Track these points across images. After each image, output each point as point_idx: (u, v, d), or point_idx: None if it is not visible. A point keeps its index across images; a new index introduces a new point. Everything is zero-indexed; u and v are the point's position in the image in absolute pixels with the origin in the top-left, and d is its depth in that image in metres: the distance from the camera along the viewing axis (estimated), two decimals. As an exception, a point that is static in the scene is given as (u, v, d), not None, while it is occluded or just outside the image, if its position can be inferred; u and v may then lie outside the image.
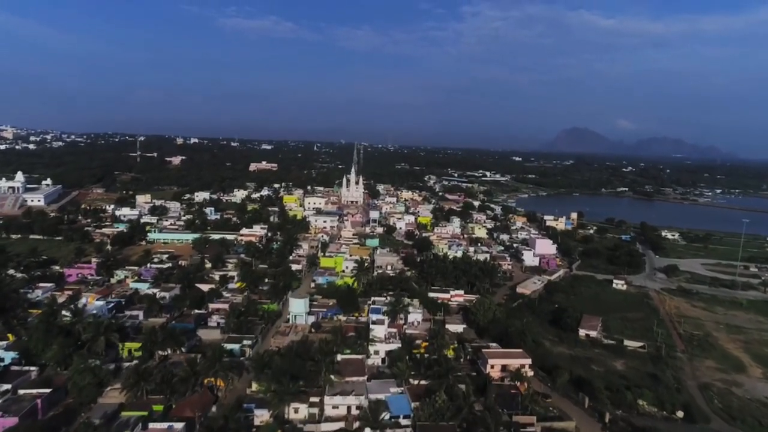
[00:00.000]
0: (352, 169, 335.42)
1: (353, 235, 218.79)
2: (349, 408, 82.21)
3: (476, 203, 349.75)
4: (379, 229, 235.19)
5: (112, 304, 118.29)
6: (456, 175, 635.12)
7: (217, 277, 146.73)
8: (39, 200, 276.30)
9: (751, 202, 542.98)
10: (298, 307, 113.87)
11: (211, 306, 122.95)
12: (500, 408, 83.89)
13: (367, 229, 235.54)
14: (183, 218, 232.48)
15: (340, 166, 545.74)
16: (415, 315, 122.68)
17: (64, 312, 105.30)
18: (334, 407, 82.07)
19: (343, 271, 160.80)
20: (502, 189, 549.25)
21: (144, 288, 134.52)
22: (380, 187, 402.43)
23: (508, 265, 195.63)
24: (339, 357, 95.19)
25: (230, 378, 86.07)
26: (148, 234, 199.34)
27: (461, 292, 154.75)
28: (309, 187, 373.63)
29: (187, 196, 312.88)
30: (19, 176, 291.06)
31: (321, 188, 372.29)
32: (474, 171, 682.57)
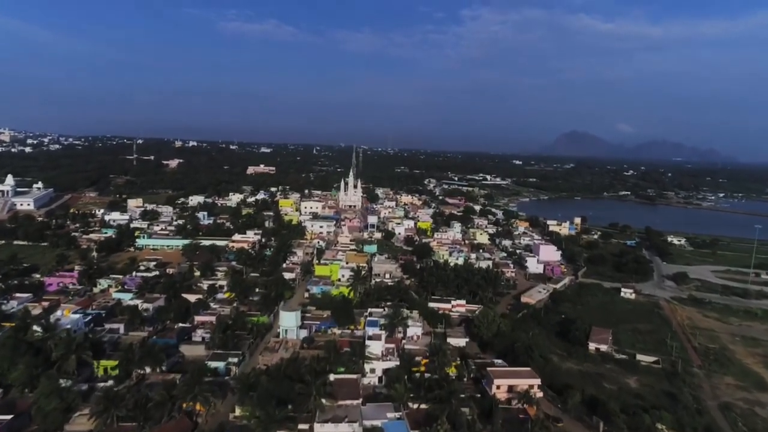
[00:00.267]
0: (350, 173, 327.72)
1: (350, 240, 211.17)
2: (341, 436, 74.66)
3: (477, 207, 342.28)
4: (378, 235, 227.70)
5: (90, 317, 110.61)
6: (456, 178, 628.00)
7: (205, 287, 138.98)
8: (29, 204, 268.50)
9: (756, 206, 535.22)
10: (289, 320, 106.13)
11: (197, 318, 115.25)
12: (508, 436, 76.31)
13: (365, 235, 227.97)
14: (175, 223, 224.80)
15: (339, 170, 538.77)
16: (415, 329, 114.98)
17: (35, 327, 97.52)
18: (325, 435, 74.50)
19: (339, 280, 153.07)
20: (503, 193, 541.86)
21: (127, 298, 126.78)
22: (379, 191, 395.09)
23: (512, 272, 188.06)
24: (332, 377, 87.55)
25: (211, 402, 78.31)
26: (137, 240, 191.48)
27: (463, 302, 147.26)
28: (306, 191, 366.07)
29: (182, 200, 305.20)
30: (9, 179, 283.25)
31: (319, 192, 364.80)
32: (474, 174, 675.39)
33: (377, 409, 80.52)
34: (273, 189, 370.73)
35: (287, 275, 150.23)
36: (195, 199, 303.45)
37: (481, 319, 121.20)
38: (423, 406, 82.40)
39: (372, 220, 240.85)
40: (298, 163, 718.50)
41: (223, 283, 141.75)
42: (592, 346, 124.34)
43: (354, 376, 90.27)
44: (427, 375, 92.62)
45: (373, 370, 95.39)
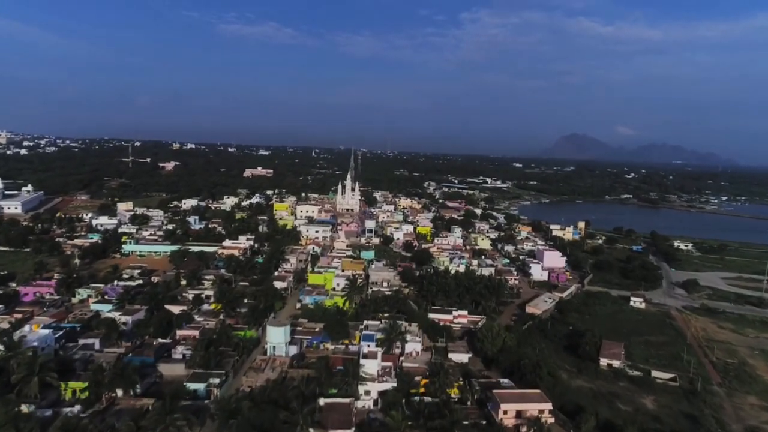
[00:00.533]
0: (348, 175, 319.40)
1: (347, 246, 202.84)
2: (331, 473, 66.34)
3: (478, 211, 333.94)
4: (375, 240, 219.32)
5: (61, 332, 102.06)
6: (456, 181, 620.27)
7: (191, 297, 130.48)
8: (16, 208, 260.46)
9: (760, 210, 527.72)
10: (277, 336, 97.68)
11: (179, 333, 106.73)
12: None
13: (363, 240, 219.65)
14: (165, 228, 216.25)
15: (337, 172, 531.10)
16: (414, 344, 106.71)
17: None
18: (313, 472, 66.20)
19: (334, 289, 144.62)
20: (504, 196, 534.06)
21: (106, 310, 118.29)
22: (378, 194, 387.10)
23: (515, 279, 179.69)
24: (322, 401, 79.35)
25: (186, 434, 69.90)
26: (123, 246, 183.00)
27: (465, 312, 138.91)
28: (303, 194, 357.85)
29: (174, 203, 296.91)
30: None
31: (315, 195, 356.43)
32: (474, 177, 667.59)
33: (372, 441, 72.30)
34: (269, 192, 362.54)
35: (279, 284, 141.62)
36: (188, 203, 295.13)
37: (485, 333, 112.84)
38: (423, 436, 74.15)
39: (370, 224, 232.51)
40: (296, 165, 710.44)
41: (211, 293, 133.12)
42: (603, 361, 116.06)
43: (347, 400, 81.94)
44: (427, 399, 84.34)
45: (368, 392, 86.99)
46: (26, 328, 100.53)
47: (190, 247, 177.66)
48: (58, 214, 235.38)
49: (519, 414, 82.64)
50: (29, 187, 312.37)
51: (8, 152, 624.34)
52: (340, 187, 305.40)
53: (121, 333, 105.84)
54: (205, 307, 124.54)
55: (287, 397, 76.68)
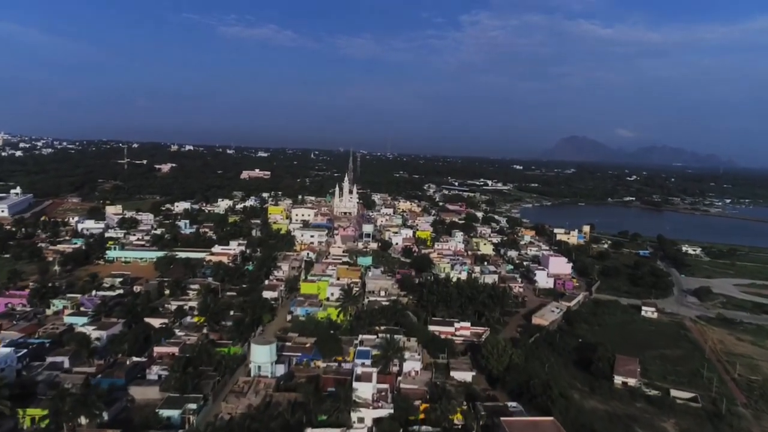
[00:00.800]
0: (346, 178, 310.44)
1: (344, 251, 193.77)
2: None
3: (479, 214, 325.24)
4: (373, 245, 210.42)
5: (25, 351, 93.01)
6: (456, 183, 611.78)
7: (174, 308, 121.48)
8: (3, 211, 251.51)
9: (766, 213, 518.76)
10: (262, 355, 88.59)
11: (156, 350, 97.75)
12: None
13: (360, 245, 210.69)
14: (153, 232, 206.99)
15: (336, 174, 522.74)
16: (413, 362, 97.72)
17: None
18: None
19: (328, 299, 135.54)
20: (505, 198, 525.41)
21: (80, 323, 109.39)
22: (376, 197, 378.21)
23: (519, 287, 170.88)
24: (309, 432, 70.51)
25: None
26: (107, 252, 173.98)
27: (468, 324, 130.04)
28: (300, 197, 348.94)
29: (167, 206, 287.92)
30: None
31: (312, 198, 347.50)
32: (475, 179, 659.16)
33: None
34: (265, 194, 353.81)
35: (269, 294, 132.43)
36: (181, 206, 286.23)
37: (491, 350, 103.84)
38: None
39: (368, 228, 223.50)
40: (295, 167, 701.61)
41: (195, 304, 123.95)
42: (618, 379, 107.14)
43: (337, 431, 73.00)
44: (427, 428, 75.49)
45: (361, 420, 78.00)
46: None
47: (177, 253, 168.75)
48: (42, 218, 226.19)
49: (530, 445, 73.76)
50: (17, 190, 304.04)
51: (3, 154, 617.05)
52: (337, 189, 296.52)
53: (94, 350, 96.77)
54: (188, 320, 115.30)
55: (270, 428, 67.91)
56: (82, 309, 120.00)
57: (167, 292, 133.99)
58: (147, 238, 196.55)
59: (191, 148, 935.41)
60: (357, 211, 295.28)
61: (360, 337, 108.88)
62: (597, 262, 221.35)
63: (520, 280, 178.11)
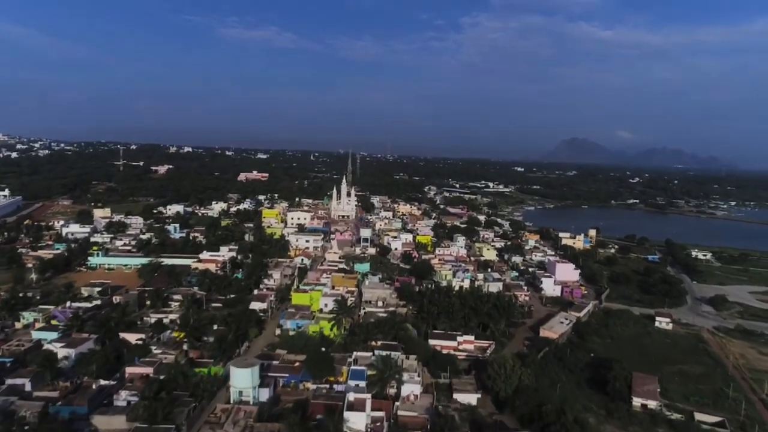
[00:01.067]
0: (343, 180, 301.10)
1: (340, 257, 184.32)
2: None
3: (481, 218, 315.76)
4: (372, 250, 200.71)
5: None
6: (457, 185, 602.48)
7: (153, 322, 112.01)
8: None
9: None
10: (242, 379, 79.11)
11: (129, 371, 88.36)
12: None
13: (357, 250, 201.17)
14: (141, 237, 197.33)
15: (335, 176, 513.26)
16: (412, 386, 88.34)
17: None
18: None
19: (321, 311, 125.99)
20: (507, 201, 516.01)
21: (50, 339, 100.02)
22: (376, 200, 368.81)
23: (525, 296, 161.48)
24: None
25: None
26: (89, 258, 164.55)
27: (472, 337, 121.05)
28: (297, 199, 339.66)
29: (159, 209, 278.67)
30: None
31: (310, 201, 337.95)
32: (476, 182, 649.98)
33: None
34: (261, 197, 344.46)
35: (257, 305, 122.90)
36: (174, 209, 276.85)
37: (497, 370, 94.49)
38: None
39: (365, 233, 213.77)
40: (294, 169, 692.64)
41: (177, 316, 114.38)
42: (636, 401, 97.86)
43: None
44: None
45: (353, 455, 68.81)
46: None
47: (163, 259, 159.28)
48: (26, 222, 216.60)
49: (546, 488, 64.43)
50: (5, 192, 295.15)
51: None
52: (335, 192, 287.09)
53: (59, 371, 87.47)
54: (168, 335, 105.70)
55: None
56: (54, 322, 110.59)
57: (148, 303, 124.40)
58: (134, 243, 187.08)
59: (190, 149, 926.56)
60: (355, 214, 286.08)
61: (354, 354, 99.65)
62: (605, 268, 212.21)
63: (525, 287, 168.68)
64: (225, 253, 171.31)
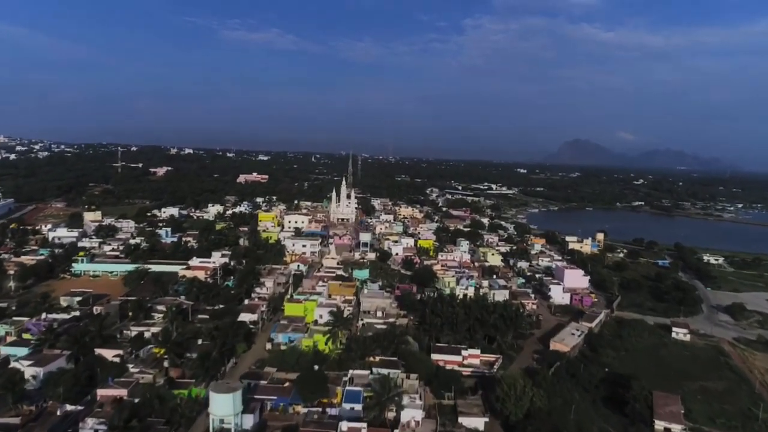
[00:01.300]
0: (343, 182, 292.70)
1: (338, 263, 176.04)
2: None
3: (485, 220, 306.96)
4: (371, 255, 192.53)
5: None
6: (460, 187, 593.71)
7: (134, 335, 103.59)
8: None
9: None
10: (223, 406, 70.53)
11: (100, 393, 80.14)
12: None
13: (357, 255, 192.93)
14: (131, 241, 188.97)
15: (335, 178, 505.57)
16: (413, 410, 79.85)
17: None
18: None
19: (316, 322, 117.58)
20: (510, 203, 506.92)
21: (19, 355, 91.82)
22: (376, 202, 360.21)
23: (533, 304, 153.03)
24: None
25: None
26: (73, 264, 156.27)
27: (477, 351, 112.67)
28: (296, 202, 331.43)
29: (154, 212, 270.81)
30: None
31: (308, 203, 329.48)
32: (479, 183, 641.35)
33: None
34: (259, 199, 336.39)
35: (247, 316, 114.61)
36: (169, 211, 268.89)
37: (507, 390, 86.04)
38: None
39: (365, 237, 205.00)
40: (294, 171, 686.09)
41: (160, 329, 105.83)
42: (659, 425, 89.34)
43: None
44: None
45: (346, 495, 60.46)
46: None
47: (151, 266, 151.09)
48: (12, 225, 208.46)
49: None
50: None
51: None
52: (334, 194, 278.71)
53: (24, 393, 79.31)
54: (148, 350, 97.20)
55: None
56: (26, 336, 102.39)
57: (131, 314, 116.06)
58: (122, 248, 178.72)
59: (190, 151, 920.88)
60: (356, 217, 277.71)
61: (350, 373, 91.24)
62: (614, 274, 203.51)
63: (533, 295, 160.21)
64: (217, 259, 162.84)
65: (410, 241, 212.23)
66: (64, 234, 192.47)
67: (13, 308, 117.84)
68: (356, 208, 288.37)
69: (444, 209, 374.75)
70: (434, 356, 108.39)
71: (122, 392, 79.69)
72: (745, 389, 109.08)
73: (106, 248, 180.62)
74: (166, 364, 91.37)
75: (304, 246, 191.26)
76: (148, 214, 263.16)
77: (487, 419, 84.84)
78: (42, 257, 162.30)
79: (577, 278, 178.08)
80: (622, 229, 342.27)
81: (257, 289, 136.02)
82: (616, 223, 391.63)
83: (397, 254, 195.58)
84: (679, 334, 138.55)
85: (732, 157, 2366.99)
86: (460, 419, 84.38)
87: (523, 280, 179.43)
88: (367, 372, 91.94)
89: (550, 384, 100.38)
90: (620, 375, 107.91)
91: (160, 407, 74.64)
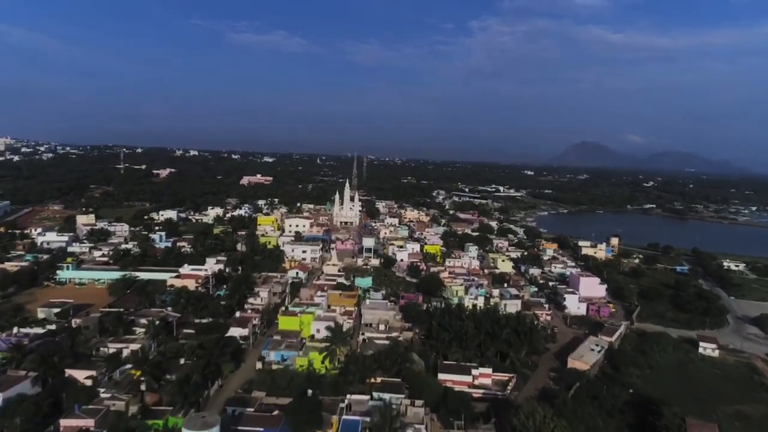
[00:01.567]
0: (346, 184, 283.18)
1: (339, 270, 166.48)
2: None
3: (493, 224, 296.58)
4: (375, 261, 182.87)
5: None
6: (467, 190, 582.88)
7: (113, 351, 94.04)
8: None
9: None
10: (198, 444, 61.15)
11: (64, 424, 70.59)
12: None
13: (359, 261, 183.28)
14: (124, 246, 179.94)
15: (341, 180, 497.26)
16: (418, 445, 70.11)
17: None
18: None
19: (313, 337, 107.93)
20: (518, 205, 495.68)
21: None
22: (381, 205, 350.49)
23: (547, 315, 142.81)
24: None
25: None
26: (58, 271, 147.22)
27: (489, 370, 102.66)
28: (298, 204, 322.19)
29: (151, 215, 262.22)
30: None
31: (311, 206, 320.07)
32: (486, 185, 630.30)
33: None
34: (261, 202, 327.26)
35: (237, 331, 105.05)
36: (167, 214, 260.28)
37: (524, 420, 76.01)
38: None
39: (368, 242, 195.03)
40: (299, 173, 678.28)
41: (140, 346, 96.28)
42: (697, 460, 79.04)
43: None
44: None
45: None
46: None
47: (140, 273, 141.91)
48: (0, 229, 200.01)
49: None
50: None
51: (1, 159, 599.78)
52: (337, 196, 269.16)
53: (-22, 422, 70.00)
54: (125, 371, 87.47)
55: None
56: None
57: (111, 328, 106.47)
58: (112, 253, 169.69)
59: (195, 153, 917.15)
60: (359, 220, 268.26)
61: (348, 398, 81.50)
62: (631, 281, 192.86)
63: (546, 305, 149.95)
64: (211, 265, 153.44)
65: (416, 247, 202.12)
66: (53, 238, 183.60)
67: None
68: (360, 210, 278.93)
69: (451, 212, 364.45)
70: (441, 376, 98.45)
71: (89, 422, 70.24)
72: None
73: (97, 253, 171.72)
74: (143, 387, 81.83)
75: (304, 251, 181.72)
76: (146, 217, 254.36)
77: (502, 453, 74.99)
78: (25, 264, 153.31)
79: (593, 286, 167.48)
80: (635, 233, 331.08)
81: (251, 300, 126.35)
82: (627, 226, 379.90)
83: (401, 260, 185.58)
84: (707, 349, 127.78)
85: (742, 159, 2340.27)
86: (472, 453, 74.63)
87: (536, 289, 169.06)
88: (366, 397, 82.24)
89: (571, 410, 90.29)
90: (647, 397, 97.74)
91: (129, 441, 65.12)
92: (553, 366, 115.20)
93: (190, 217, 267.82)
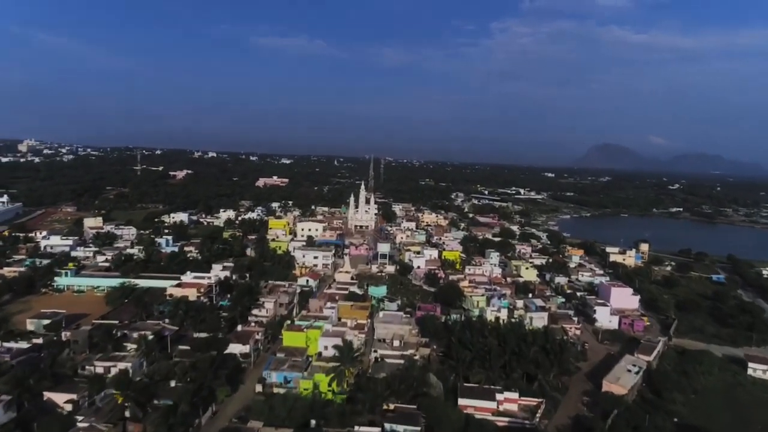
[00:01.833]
0: (362, 186, 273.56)
1: (352, 277, 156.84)
2: None
3: (515, 228, 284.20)
4: (390, 268, 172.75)
5: None
6: (486, 192, 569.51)
7: (100, 371, 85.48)
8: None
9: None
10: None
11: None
12: None
13: (374, 268, 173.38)
14: (128, 251, 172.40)
15: (357, 182, 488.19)
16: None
17: None
18: None
19: (320, 355, 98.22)
20: (540, 208, 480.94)
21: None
22: (398, 208, 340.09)
23: (577, 329, 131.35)
24: None
25: None
26: (56, 278, 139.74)
27: (515, 394, 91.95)
28: (313, 207, 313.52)
29: (163, 217, 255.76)
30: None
31: (325, 209, 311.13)
32: (506, 188, 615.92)
33: None
34: (274, 204, 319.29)
35: (237, 348, 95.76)
36: (178, 217, 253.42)
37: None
38: None
39: (384, 248, 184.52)
40: (316, 174, 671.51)
41: (130, 364, 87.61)
42: None
43: None
44: None
45: None
46: None
47: (139, 281, 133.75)
48: (5, 232, 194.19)
49: None
50: (4, 198, 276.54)
51: (22, 160, 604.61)
52: (352, 199, 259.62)
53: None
54: (108, 395, 78.56)
55: None
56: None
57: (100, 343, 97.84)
58: (114, 258, 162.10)
59: (214, 154, 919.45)
60: (375, 224, 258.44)
61: (357, 430, 71.63)
62: (665, 291, 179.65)
63: (575, 318, 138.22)
64: (217, 272, 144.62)
65: (434, 253, 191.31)
66: (57, 242, 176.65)
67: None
68: (376, 214, 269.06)
69: (470, 215, 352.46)
70: (462, 401, 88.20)
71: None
72: None
73: (100, 258, 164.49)
74: (127, 413, 72.89)
75: (315, 257, 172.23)
76: (156, 219, 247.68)
77: (533, 501, 64.35)
78: (23, 270, 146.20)
79: (625, 297, 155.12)
80: (663, 238, 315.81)
81: (255, 312, 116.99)
82: (655, 230, 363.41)
83: (419, 267, 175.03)
84: (757, 371, 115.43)
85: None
86: (498, 501, 64.09)
87: (563, 300, 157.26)
88: (377, 430, 72.41)
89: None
90: (694, 427, 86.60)
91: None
92: (586, 389, 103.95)
93: (201, 219, 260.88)
